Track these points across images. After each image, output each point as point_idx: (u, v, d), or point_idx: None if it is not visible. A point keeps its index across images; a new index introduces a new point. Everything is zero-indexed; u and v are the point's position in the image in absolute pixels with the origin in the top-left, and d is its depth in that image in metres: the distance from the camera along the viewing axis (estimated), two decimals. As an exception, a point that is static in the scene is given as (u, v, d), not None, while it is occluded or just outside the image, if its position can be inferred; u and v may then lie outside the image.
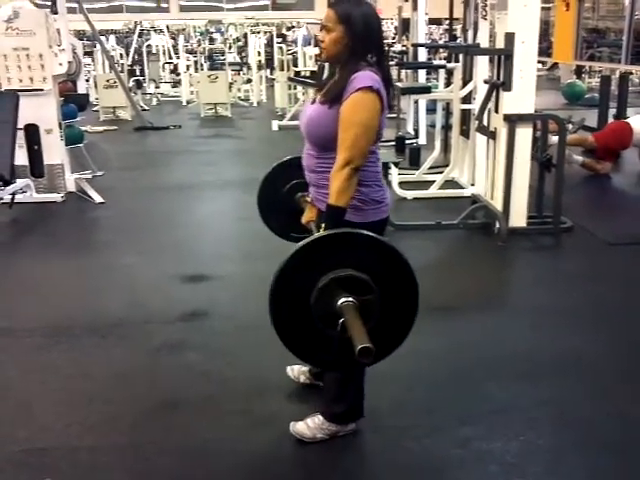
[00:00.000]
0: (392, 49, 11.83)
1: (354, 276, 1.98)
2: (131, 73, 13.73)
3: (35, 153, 5.93)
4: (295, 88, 11.72)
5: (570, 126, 7.50)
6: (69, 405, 2.89)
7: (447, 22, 8.79)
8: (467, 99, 6.09)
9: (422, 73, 9.02)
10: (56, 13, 6.44)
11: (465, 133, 6.17)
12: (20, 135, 5.77)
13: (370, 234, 2.06)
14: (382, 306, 2.02)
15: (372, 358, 1.79)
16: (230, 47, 16.56)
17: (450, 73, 6.78)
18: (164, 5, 28.71)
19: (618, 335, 3.53)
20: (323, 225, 2.22)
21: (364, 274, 1.99)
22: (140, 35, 16.68)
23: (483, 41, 5.83)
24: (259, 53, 14.16)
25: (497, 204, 5.09)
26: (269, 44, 15.12)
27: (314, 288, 1.98)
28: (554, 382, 3.06)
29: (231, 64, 13.87)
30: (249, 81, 14.13)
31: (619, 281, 4.28)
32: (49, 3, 6.66)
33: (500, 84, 4.91)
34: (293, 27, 21.13)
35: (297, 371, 2.96)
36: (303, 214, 2.71)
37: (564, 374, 3.13)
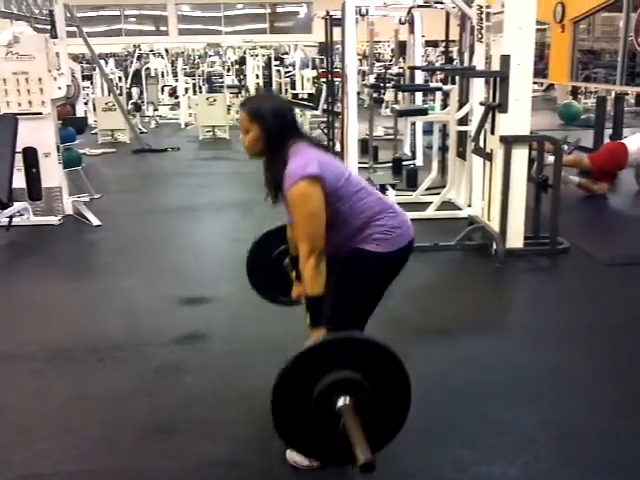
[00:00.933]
0: (389, 72, 11.92)
1: (350, 378, 2.09)
2: (130, 96, 13.81)
3: (33, 176, 5.96)
4: (293, 110, 11.76)
5: (566, 147, 7.55)
6: (66, 429, 2.87)
7: (443, 44, 8.86)
8: (463, 121, 6.13)
9: (419, 95, 9.09)
10: (56, 37, 6.50)
11: (462, 154, 6.20)
12: (18, 158, 5.79)
13: (358, 336, 2.23)
14: (377, 400, 2.13)
15: (374, 470, 1.90)
16: (228, 70, 16.68)
17: (446, 95, 6.83)
18: (163, 28, 29.06)
19: (616, 355, 3.53)
20: (309, 317, 2.35)
21: (358, 373, 2.10)
22: (139, 58, 16.80)
23: (479, 63, 5.88)
24: (257, 76, 14.26)
25: (494, 225, 5.11)
26: (267, 67, 15.24)
27: (312, 393, 2.09)
28: (552, 403, 3.05)
29: (229, 87, 13.96)
30: (247, 103, 14.17)
31: (616, 301, 4.28)
32: (49, 27, 6.74)
33: (496, 106, 4.94)
34: (287, 53, 21.25)
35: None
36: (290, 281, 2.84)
37: (562, 395, 3.12)
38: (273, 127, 2.34)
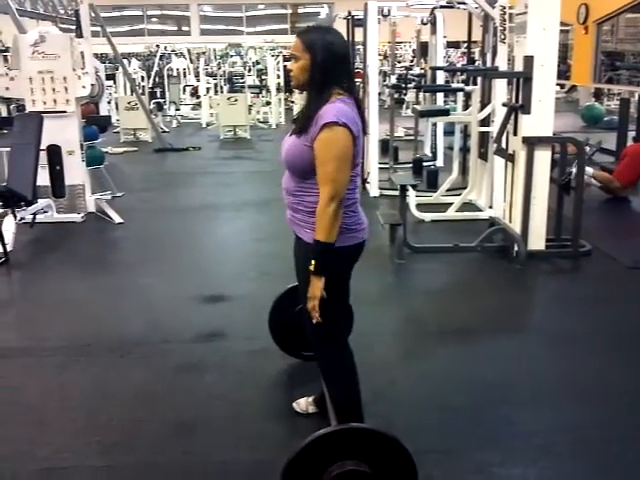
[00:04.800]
0: (410, 72, 11.89)
1: (356, 470, 2.14)
2: (152, 95, 13.91)
3: (57, 174, 6.03)
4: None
5: (587, 149, 7.47)
6: (88, 424, 2.91)
7: (465, 45, 8.82)
8: (485, 122, 6.10)
9: (440, 96, 9.06)
10: (81, 37, 6.57)
11: (483, 156, 6.17)
12: (42, 156, 5.86)
13: (368, 427, 2.27)
14: None
15: None
16: (249, 70, 16.73)
17: (468, 96, 6.80)
18: (185, 29, 29.23)
19: (637, 359, 3.50)
20: (313, 262, 2.27)
21: (365, 465, 2.15)
22: (161, 58, 16.90)
23: (501, 64, 5.86)
24: (278, 76, 14.29)
25: (515, 227, 5.08)
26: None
27: None
28: (573, 406, 3.03)
29: (250, 87, 14.01)
30: (268, 103, 14.26)
31: (638, 305, 4.24)
32: (74, 27, 6.80)
33: (519, 107, 4.91)
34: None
35: (304, 404, 2.95)
36: None
37: (583, 398, 3.10)
38: (325, 63, 2.27)
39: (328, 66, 2.27)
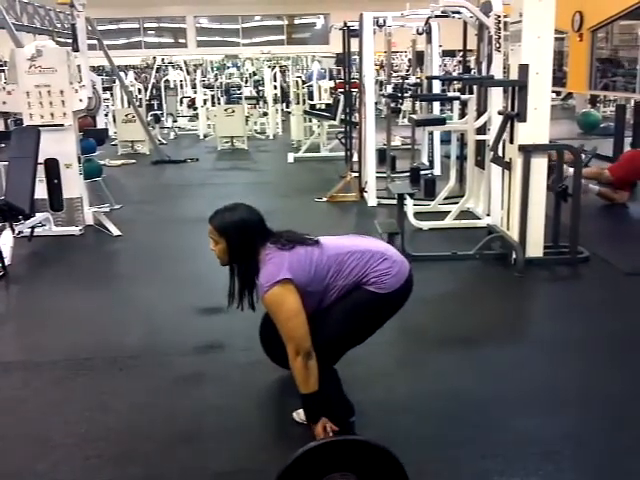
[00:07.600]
0: (406, 81, 11.93)
1: None
2: (149, 108, 13.94)
3: (55, 187, 6.02)
4: (310, 121, 11.84)
5: (583, 156, 7.49)
6: (88, 438, 2.89)
7: (461, 54, 8.87)
8: (482, 130, 6.12)
9: (436, 105, 9.08)
10: (77, 50, 6.59)
11: (480, 164, 6.19)
12: (40, 169, 5.86)
13: (357, 439, 2.28)
14: None
15: None
16: (246, 81, 16.78)
17: (464, 104, 6.82)
18: (182, 41, 29.32)
19: (638, 366, 3.49)
20: (304, 412, 2.48)
21: (354, 477, 2.14)
22: (158, 70, 16.95)
23: (497, 73, 5.88)
24: (275, 87, 14.34)
25: (513, 234, 5.09)
26: (284, 78, 15.28)
27: None
28: (573, 415, 3.02)
29: (247, 98, 14.06)
30: (265, 114, 14.30)
31: (637, 312, 4.24)
32: (70, 41, 6.83)
33: (515, 115, 4.93)
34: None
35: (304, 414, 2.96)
36: None
37: (584, 406, 3.09)
38: (239, 242, 2.46)
39: (246, 242, 2.46)
